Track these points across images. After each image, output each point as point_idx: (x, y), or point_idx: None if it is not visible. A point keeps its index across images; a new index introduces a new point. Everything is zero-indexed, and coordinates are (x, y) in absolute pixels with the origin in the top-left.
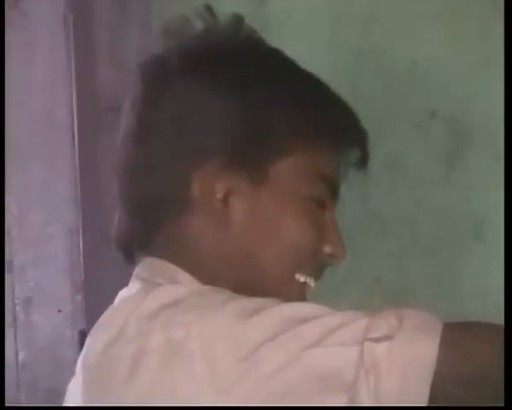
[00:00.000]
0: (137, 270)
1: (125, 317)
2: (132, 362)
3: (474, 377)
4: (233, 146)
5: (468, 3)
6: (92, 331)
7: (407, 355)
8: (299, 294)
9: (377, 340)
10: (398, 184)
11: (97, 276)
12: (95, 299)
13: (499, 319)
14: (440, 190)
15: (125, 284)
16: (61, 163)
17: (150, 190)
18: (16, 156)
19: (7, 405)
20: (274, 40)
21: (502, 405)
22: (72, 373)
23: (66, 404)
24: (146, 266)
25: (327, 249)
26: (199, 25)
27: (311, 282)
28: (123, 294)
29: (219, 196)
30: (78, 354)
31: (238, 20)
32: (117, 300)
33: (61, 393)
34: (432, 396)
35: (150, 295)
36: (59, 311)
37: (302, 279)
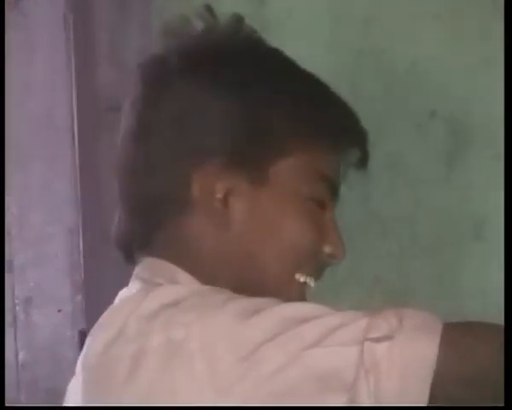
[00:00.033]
0: (137, 270)
1: (125, 317)
2: (132, 362)
3: (474, 377)
4: (233, 146)
5: (468, 3)
6: (92, 331)
7: (407, 355)
8: (299, 294)
9: (377, 340)
10: (398, 184)
11: (97, 276)
12: (95, 299)
13: (499, 319)
14: (440, 190)
15: (125, 284)
16: (60, 163)
17: (150, 190)
18: (16, 156)
19: (7, 405)
20: (274, 40)
21: (502, 405)
22: (72, 373)
23: (66, 404)
24: (146, 266)
25: (327, 249)
26: (199, 25)
27: (311, 282)
28: (123, 294)
29: (219, 196)
30: (78, 354)
31: (238, 20)
32: (117, 300)
33: (61, 393)
34: (432, 396)
35: (150, 295)
36: (59, 311)
37: (302, 279)
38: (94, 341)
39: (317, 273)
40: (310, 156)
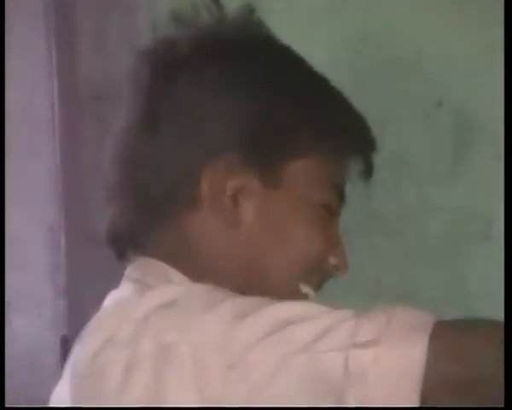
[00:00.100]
0: (129, 270)
1: (117, 321)
2: (125, 369)
3: (469, 381)
4: (247, 143)
5: None
6: (81, 337)
7: (394, 363)
8: None
9: (364, 346)
10: (402, 181)
11: (80, 278)
12: (78, 303)
13: None
14: (446, 187)
15: (110, 286)
16: (41, 157)
17: (155, 184)
18: None
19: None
20: (273, 30)
21: (502, 405)
22: (54, 382)
23: None
24: (138, 267)
25: (332, 260)
26: (206, 14)
27: (312, 294)
28: (114, 296)
29: (230, 193)
30: (60, 362)
31: (250, 11)
32: (107, 302)
33: (42, 403)
34: (423, 402)
35: (144, 297)
36: (39, 316)
37: (305, 290)
38: (83, 347)
39: (319, 285)
40: (322, 161)
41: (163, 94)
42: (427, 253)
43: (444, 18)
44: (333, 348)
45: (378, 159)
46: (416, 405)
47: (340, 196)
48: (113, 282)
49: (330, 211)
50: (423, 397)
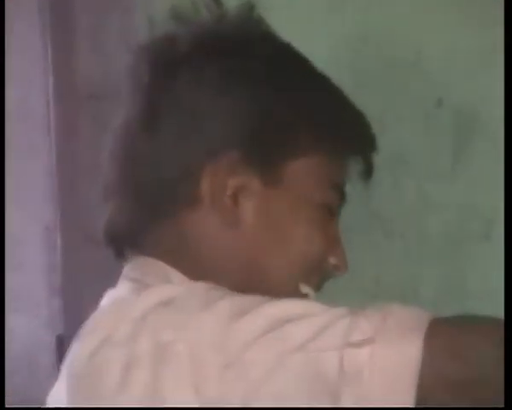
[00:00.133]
0: (126, 269)
1: (115, 320)
2: (123, 368)
3: (468, 380)
4: (247, 141)
5: None
6: (78, 336)
7: (390, 361)
8: None
9: (358, 345)
10: (402, 179)
11: (76, 277)
12: (74, 302)
13: None
14: (447, 186)
15: (106, 285)
16: (36, 156)
17: (155, 182)
18: None
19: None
20: (273, 27)
21: (502, 405)
22: (50, 383)
23: None
24: (137, 266)
25: (332, 260)
26: (206, 12)
27: (312, 294)
28: (111, 295)
29: (230, 192)
30: (56, 362)
31: (250, 8)
32: (104, 301)
33: (38, 403)
34: (420, 402)
35: (142, 295)
36: (35, 315)
37: (305, 291)
38: (80, 346)
39: (319, 285)
40: (322, 160)
41: (163, 92)
42: (427, 252)
43: (444, 18)
44: (328, 347)
45: (378, 158)
46: (413, 404)
47: (341, 196)
48: (110, 281)
49: (331, 211)
50: (422, 397)
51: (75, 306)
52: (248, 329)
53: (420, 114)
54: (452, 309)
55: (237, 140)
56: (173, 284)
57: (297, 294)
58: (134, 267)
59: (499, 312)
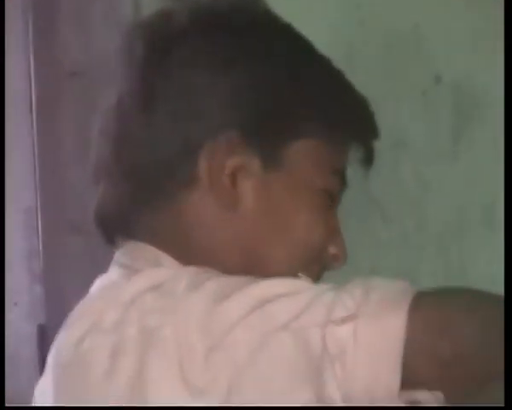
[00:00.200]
0: (117, 255)
1: (103, 306)
2: (110, 355)
3: (453, 355)
4: (246, 121)
5: None
6: (65, 324)
7: (373, 337)
8: None
9: (341, 321)
10: (401, 163)
11: (58, 264)
12: (55, 290)
13: None
14: (447, 168)
15: (89, 272)
16: (16, 135)
17: (151, 163)
18: None
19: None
20: (271, 6)
21: (502, 405)
22: (31, 374)
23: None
24: (127, 251)
25: (331, 250)
26: None
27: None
28: (100, 281)
29: (228, 172)
30: (38, 352)
31: None
32: (93, 288)
33: (20, 395)
34: (405, 379)
35: (131, 280)
36: (15, 304)
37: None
38: (67, 333)
39: (319, 275)
40: (323, 145)
41: (158, 69)
42: (426, 239)
43: None
44: (311, 325)
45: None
46: (398, 382)
47: (342, 182)
48: (93, 268)
49: (331, 197)
50: (407, 374)
51: (57, 294)
52: (232, 310)
53: (418, 93)
54: None
55: (236, 119)
56: (163, 268)
57: None
58: (124, 253)
59: None
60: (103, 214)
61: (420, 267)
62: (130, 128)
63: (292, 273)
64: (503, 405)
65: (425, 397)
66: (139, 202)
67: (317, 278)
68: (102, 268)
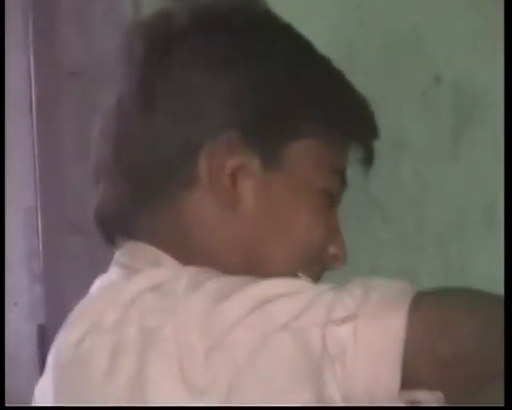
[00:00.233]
0: (117, 255)
1: (103, 306)
2: (110, 355)
3: (453, 355)
4: (246, 121)
5: None
6: (65, 324)
7: (373, 337)
8: None
9: (341, 321)
10: (400, 163)
11: (58, 264)
12: (55, 290)
13: None
14: (447, 168)
15: (90, 272)
16: (16, 135)
17: (151, 163)
18: None
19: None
20: (271, 6)
21: (502, 405)
22: (31, 374)
23: None
24: (127, 251)
25: (331, 250)
26: None
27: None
28: (100, 281)
29: (228, 172)
30: (38, 352)
31: None
32: (93, 288)
33: (20, 395)
34: (405, 380)
35: (131, 280)
36: (15, 304)
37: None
38: (67, 333)
39: (319, 276)
40: (323, 145)
41: (158, 68)
42: (426, 239)
43: None
44: (311, 325)
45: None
46: (398, 382)
47: (342, 182)
48: (92, 267)
49: (331, 197)
50: (407, 375)
51: (57, 294)
52: (232, 310)
53: (418, 93)
54: None
55: (236, 119)
56: (163, 268)
57: None
58: (125, 253)
59: None
60: (103, 214)
61: (420, 267)
62: (130, 128)
63: (292, 273)
64: (503, 405)
65: (425, 397)
66: (139, 201)
67: (316, 278)
68: (102, 268)
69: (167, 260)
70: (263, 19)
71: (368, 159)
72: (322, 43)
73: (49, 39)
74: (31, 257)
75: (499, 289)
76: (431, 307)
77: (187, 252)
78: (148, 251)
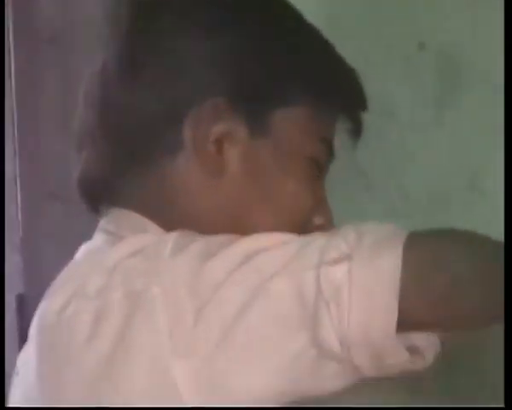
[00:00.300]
0: (102, 222)
1: (87, 272)
2: (93, 320)
3: (451, 286)
4: (232, 88)
5: None
6: (49, 291)
7: (368, 277)
8: None
9: (335, 262)
10: (384, 130)
11: (37, 233)
12: (34, 259)
13: None
14: (431, 136)
15: (68, 242)
16: None
17: (136, 129)
18: None
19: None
20: None
21: (502, 405)
22: (11, 343)
23: (15, 382)
24: (112, 218)
25: (317, 221)
26: None
27: None
28: (85, 248)
29: (214, 138)
30: (17, 323)
31: None
32: (78, 254)
33: None
34: (402, 319)
35: (115, 246)
36: None
37: None
38: (51, 300)
39: None
40: (310, 112)
41: (144, 34)
42: (412, 208)
43: None
44: (303, 268)
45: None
46: (395, 319)
47: (329, 151)
48: (71, 236)
49: (318, 166)
50: (404, 317)
51: (36, 263)
52: (219, 268)
53: (402, 60)
54: None
55: (223, 86)
56: (148, 234)
57: None
58: (109, 220)
59: None
60: (87, 182)
61: None
62: (115, 94)
63: None
64: (502, 406)
65: (421, 343)
66: (123, 168)
67: None
68: (81, 237)
69: (152, 227)
70: None
71: (356, 131)
72: (305, 11)
73: (27, 5)
74: (10, 226)
75: None
76: (426, 242)
77: (172, 219)
78: (133, 218)
